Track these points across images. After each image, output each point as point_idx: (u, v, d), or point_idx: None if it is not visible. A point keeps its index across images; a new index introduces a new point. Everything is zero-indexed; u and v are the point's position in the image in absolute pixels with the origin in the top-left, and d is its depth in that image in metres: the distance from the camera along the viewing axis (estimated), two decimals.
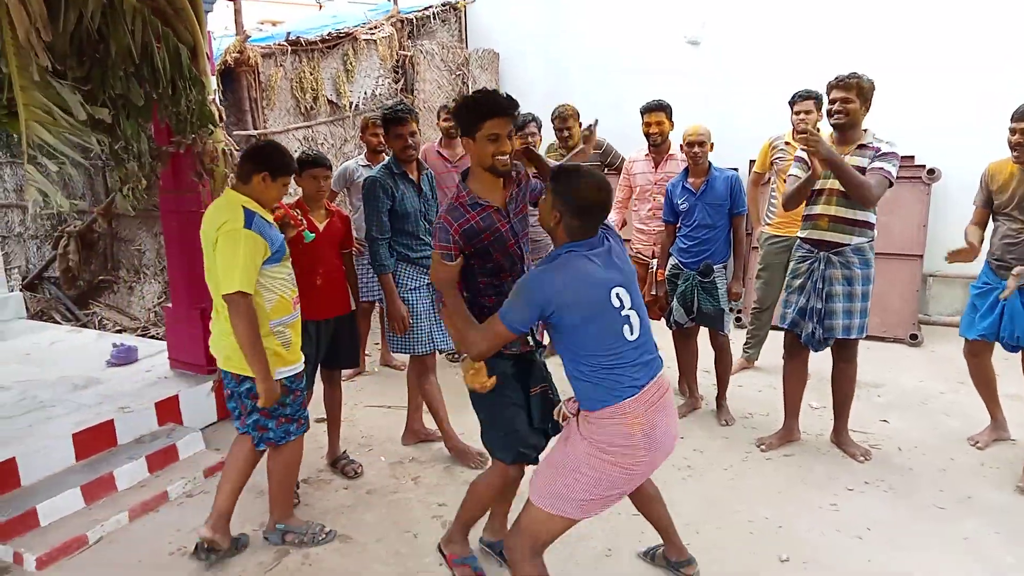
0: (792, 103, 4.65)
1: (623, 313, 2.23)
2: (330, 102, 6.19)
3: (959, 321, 3.93)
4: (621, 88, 6.77)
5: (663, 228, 4.33)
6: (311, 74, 5.99)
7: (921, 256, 5.71)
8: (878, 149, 3.48)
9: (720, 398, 4.33)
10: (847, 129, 3.53)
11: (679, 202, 4.13)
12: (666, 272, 4.27)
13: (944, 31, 5.67)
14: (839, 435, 3.89)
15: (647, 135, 4.46)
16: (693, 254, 4.12)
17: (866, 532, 3.16)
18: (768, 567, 2.95)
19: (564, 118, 4.89)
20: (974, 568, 2.92)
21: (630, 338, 2.24)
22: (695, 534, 3.14)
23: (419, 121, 3.79)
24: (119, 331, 6.01)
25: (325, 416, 3.82)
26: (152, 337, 5.65)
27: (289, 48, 5.80)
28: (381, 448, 4.05)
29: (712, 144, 4.06)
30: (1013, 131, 3.44)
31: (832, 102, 3.52)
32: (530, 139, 4.36)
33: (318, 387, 3.66)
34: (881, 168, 3.41)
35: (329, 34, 6.18)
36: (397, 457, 3.94)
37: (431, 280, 2.66)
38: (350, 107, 6.37)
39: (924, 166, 5.76)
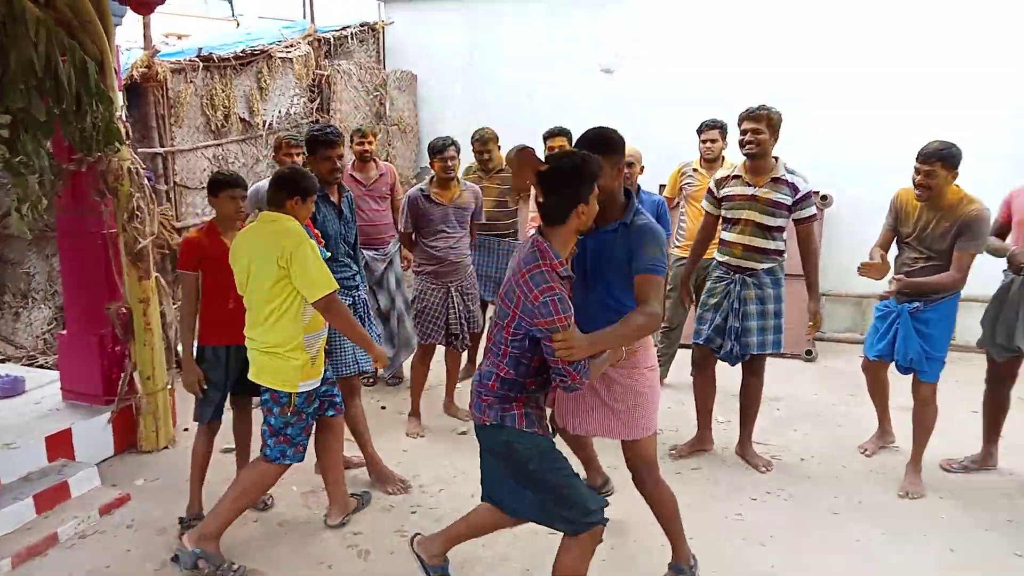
0: (700, 131, 4.92)
1: None
2: (242, 120, 6.07)
3: (850, 337, 4.20)
4: (539, 113, 6.91)
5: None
6: (223, 91, 5.87)
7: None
8: (795, 187, 3.71)
9: None
10: (759, 159, 3.74)
11: None
12: None
13: (838, 65, 6.09)
14: (744, 447, 4.09)
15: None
16: None
17: (769, 539, 3.34)
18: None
19: (484, 141, 4.98)
20: (864, 567, 3.13)
21: None
22: (611, 549, 3.23)
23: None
24: (2, 360, 5.65)
25: (234, 446, 3.71)
26: (40, 366, 5.32)
27: (200, 64, 5.67)
28: (293, 477, 3.89)
29: (642, 167, 4.18)
30: (918, 171, 3.51)
31: (743, 132, 3.73)
32: (449, 163, 4.40)
33: (227, 416, 3.55)
34: (810, 220, 3.78)
35: (243, 51, 6.07)
36: (310, 486, 3.85)
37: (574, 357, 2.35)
38: (263, 125, 6.26)
39: (818, 192, 6.14)
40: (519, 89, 7.25)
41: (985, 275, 4.02)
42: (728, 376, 4.24)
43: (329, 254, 3.46)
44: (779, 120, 3.73)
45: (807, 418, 4.70)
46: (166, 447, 4.28)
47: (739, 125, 3.79)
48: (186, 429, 4.43)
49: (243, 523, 3.48)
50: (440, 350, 4.69)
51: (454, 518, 3.12)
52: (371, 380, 5.26)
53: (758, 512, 3.57)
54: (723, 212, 3.92)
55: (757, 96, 4.47)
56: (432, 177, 4.53)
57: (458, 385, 4.81)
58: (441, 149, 4.39)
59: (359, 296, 3.84)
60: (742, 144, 3.76)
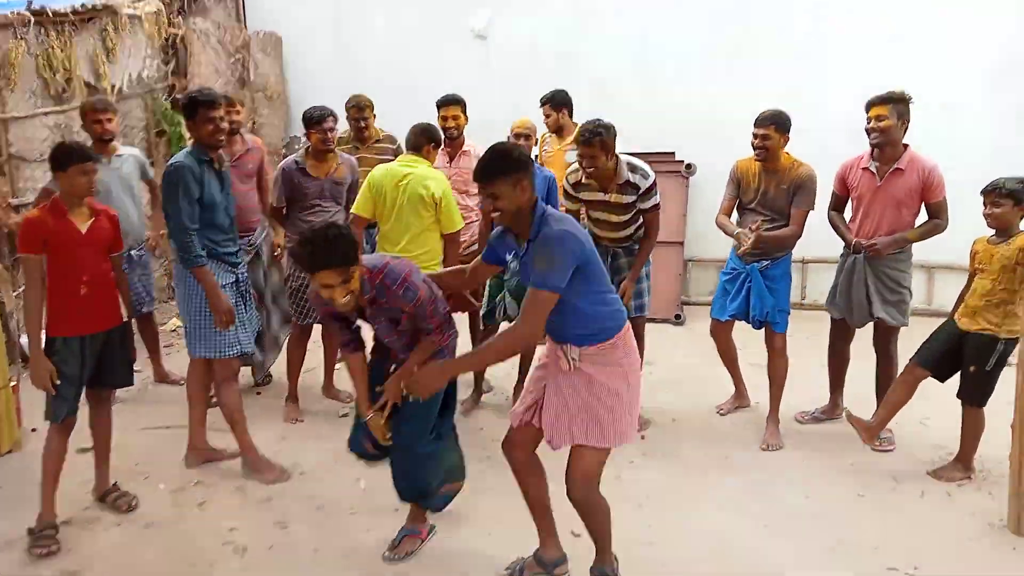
0: (543, 104, 5.16)
1: None
2: (88, 84, 5.55)
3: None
4: (415, 79, 6.76)
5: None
6: (62, 51, 5.32)
7: (682, 243, 6.39)
8: (638, 188, 3.86)
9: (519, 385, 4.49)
10: (600, 176, 3.85)
11: None
12: None
13: (698, 40, 6.35)
14: None
15: (443, 129, 4.45)
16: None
17: (645, 499, 3.51)
18: (562, 543, 3.13)
19: (361, 108, 4.77)
20: (732, 519, 3.36)
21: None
22: (492, 519, 3.29)
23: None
24: None
25: (90, 445, 3.43)
26: None
27: (32, 19, 5.10)
28: (160, 475, 3.72)
29: (536, 139, 4.24)
30: (755, 135, 3.90)
31: (581, 157, 3.79)
32: (328, 134, 4.20)
33: (83, 412, 3.28)
34: (653, 209, 3.93)
35: (83, 6, 5.52)
36: (179, 483, 3.65)
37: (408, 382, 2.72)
38: (113, 90, 5.75)
39: (683, 162, 6.42)
40: (393, 53, 7.03)
41: (823, 240, 4.41)
42: None
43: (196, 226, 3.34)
44: (613, 135, 3.77)
45: (676, 381, 4.95)
46: (10, 451, 3.93)
47: (576, 148, 3.84)
48: (34, 430, 4.05)
49: (105, 528, 3.26)
50: (317, 330, 4.54)
51: (340, 506, 3.07)
52: (267, 379, 4.93)
53: (635, 474, 3.74)
54: (586, 210, 4.08)
55: (624, 65, 4.61)
56: (307, 148, 4.31)
57: (337, 366, 4.63)
58: (319, 119, 4.18)
59: (242, 274, 3.65)
60: (582, 166, 3.86)
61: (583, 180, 3.96)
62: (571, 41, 6.62)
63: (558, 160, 5.19)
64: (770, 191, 3.95)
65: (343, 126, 4.90)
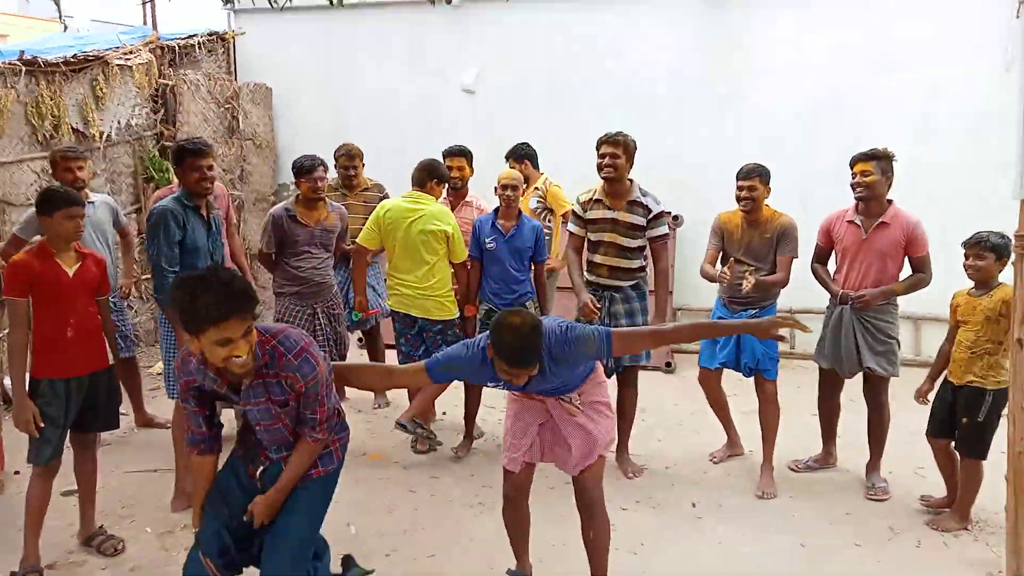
0: (507, 159, 5.25)
1: None
2: (76, 131, 5.56)
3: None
4: (403, 131, 6.87)
5: None
6: (51, 99, 5.35)
7: (671, 292, 6.41)
8: (648, 208, 3.95)
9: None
10: (616, 183, 3.94)
11: (487, 240, 4.26)
12: (480, 311, 4.36)
13: (682, 93, 6.53)
14: (620, 454, 4.24)
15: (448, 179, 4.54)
16: (503, 295, 4.29)
17: (640, 547, 3.45)
18: None
19: (351, 156, 4.85)
20: (727, 567, 3.31)
21: None
22: (488, 568, 3.22)
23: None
24: None
25: (75, 487, 3.36)
26: None
27: (23, 68, 5.13)
28: (147, 518, 3.63)
29: (524, 190, 4.31)
30: (740, 187, 4.00)
31: (602, 156, 3.92)
32: (319, 183, 4.24)
33: (67, 455, 3.20)
34: (662, 239, 4.01)
35: (75, 56, 5.57)
36: (166, 526, 3.56)
37: None
38: (101, 137, 5.77)
39: (670, 213, 6.49)
40: (381, 104, 7.15)
41: (809, 289, 4.43)
42: None
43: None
44: (635, 146, 3.97)
45: (669, 427, 4.93)
46: None
47: (597, 149, 3.97)
48: (17, 472, 3.96)
49: (91, 572, 3.18)
50: None
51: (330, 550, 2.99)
52: None
53: (629, 520, 3.68)
54: (588, 235, 4.08)
55: (608, 120, 4.74)
56: (298, 196, 4.34)
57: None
58: (310, 169, 4.22)
59: None
60: (600, 168, 3.94)
61: (594, 198, 4.03)
62: (558, 94, 6.78)
63: (524, 207, 5.30)
64: (754, 241, 4.04)
65: (331, 174, 4.93)
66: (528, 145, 5.39)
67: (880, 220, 3.85)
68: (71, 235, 3.09)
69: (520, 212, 4.34)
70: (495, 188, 4.33)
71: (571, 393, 2.79)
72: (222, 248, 3.67)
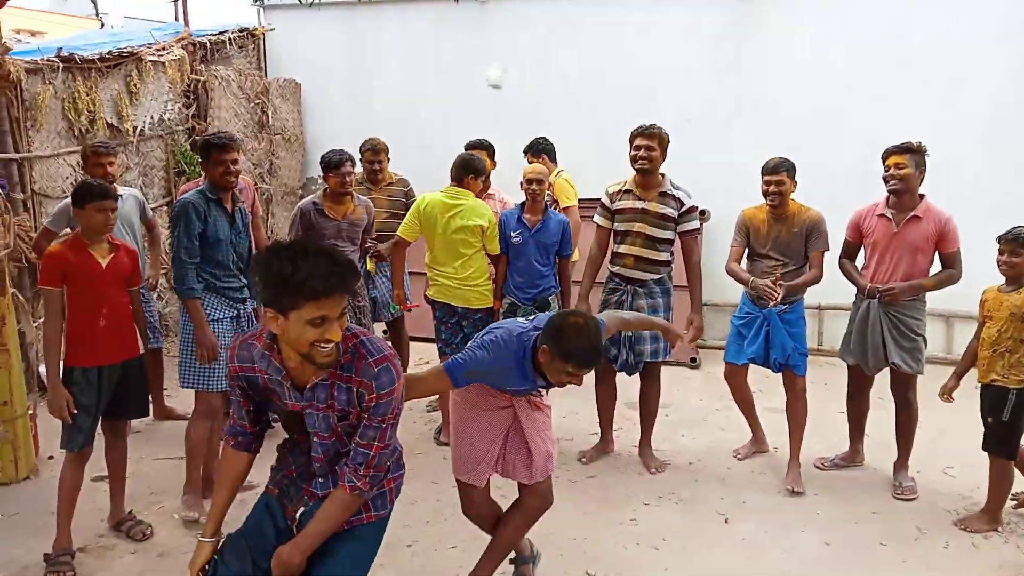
0: (525, 153, 5.27)
1: None
2: (110, 126, 5.67)
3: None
4: (427, 126, 6.90)
5: None
6: (87, 95, 5.46)
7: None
8: (680, 202, 3.96)
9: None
10: (649, 174, 3.94)
11: (513, 234, 4.27)
12: (503, 305, 4.37)
13: (701, 89, 6.46)
14: (643, 448, 4.24)
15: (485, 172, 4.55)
16: (527, 290, 4.29)
17: (662, 542, 3.44)
18: None
19: (376, 151, 4.86)
20: (750, 564, 3.29)
21: None
22: (509, 563, 3.22)
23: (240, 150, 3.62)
24: None
25: (106, 473, 3.44)
26: None
27: (61, 65, 5.25)
28: (174, 504, 3.69)
29: (549, 183, 4.31)
30: (768, 183, 3.93)
31: (637, 148, 3.92)
32: (347, 178, 4.28)
33: (99, 441, 3.28)
34: (693, 233, 4.05)
35: (110, 53, 5.68)
36: (193, 512, 3.59)
37: None
38: (134, 131, 5.88)
39: (697, 207, 6.42)
40: (405, 99, 7.19)
41: (838, 286, 4.28)
42: (622, 383, 4.35)
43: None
44: (668, 139, 3.97)
45: (694, 423, 4.90)
46: (27, 478, 3.92)
47: (631, 142, 3.97)
48: (51, 457, 4.07)
49: (120, 555, 3.25)
50: None
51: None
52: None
53: (651, 516, 3.67)
54: (615, 225, 4.06)
55: (629, 115, 4.73)
56: (325, 190, 4.38)
57: None
58: (338, 164, 4.26)
59: (244, 310, 3.66)
60: (634, 160, 3.94)
61: (626, 188, 4.03)
62: (578, 91, 6.75)
63: None
64: (782, 236, 3.97)
65: (357, 168, 4.96)
66: (546, 140, 5.39)
67: (912, 214, 3.78)
68: (102, 227, 3.16)
69: (546, 206, 4.34)
70: (520, 183, 4.34)
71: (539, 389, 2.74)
72: (247, 241, 3.69)
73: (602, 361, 2.45)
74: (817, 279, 3.96)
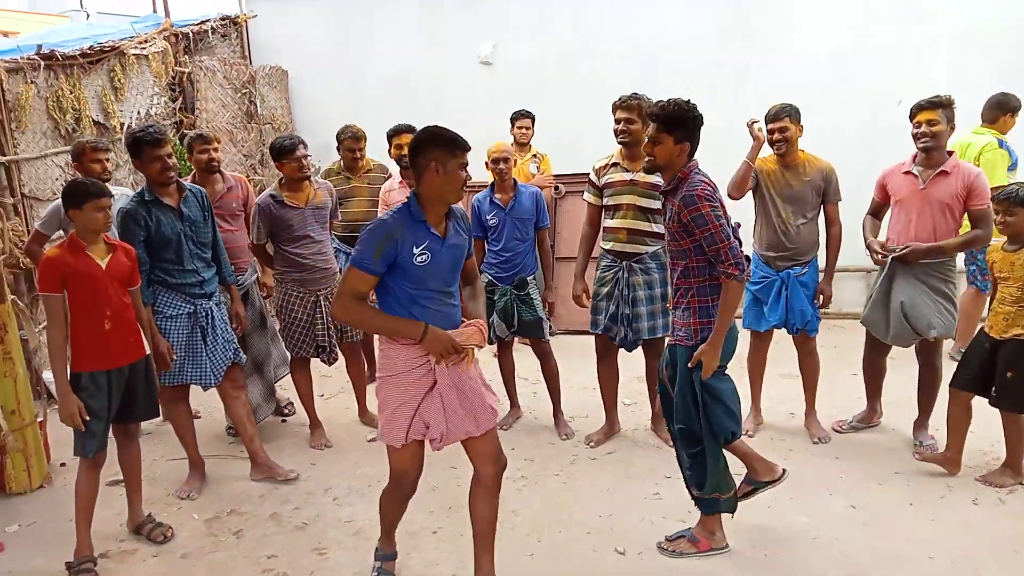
0: (512, 120, 5.47)
1: None
2: (96, 123, 5.54)
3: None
4: (418, 107, 6.76)
5: None
6: (71, 92, 5.32)
7: None
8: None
9: (557, 410, 4.41)
10: (633, 147, 3.82)
11: (488, 217, 4.19)
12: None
13: (705, 56, 6.35)
14: (657, 422, 4.20)
15: (398, 158, 4.50)
16: (506, 269, 4.21)
17: (687, 514, 3.40)
18: (606, 561, 3.09)
19: (358, 139, 4.79)
20: (776, 531, 3.28)
21: None
22: (537, 542, 3.21)
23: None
24: None
25: (120, 477, 3.39)
26: None
27: (42, 63, 5.11)
28: (193, 504, 3.66)
29: (515, 160, 4.19)
30: (771, 131, 3.86)
31: (617, 121, 3.81)
32: (304, 161, 4.07)
33: (112, 446, 3.23)
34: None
35: (91, 48, 5.54)
36: (213, 512, 3.58)
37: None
38: (121, 128, 5.75)
39: None
40: (396, 83, 7.05)
41: (848, 248, 4.17)
42: (631, 357, 4.30)
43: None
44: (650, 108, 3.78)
45: None
46: (41, 486, 3.86)
47: (613, 114, 3.86)
48: (63, 464, 4.02)
49: (143, 559, 3.21)
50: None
51: (377, 530, 2.99)
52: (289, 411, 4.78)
53: (674, 489, 3.63)
54: (605, 200, 3.97)
55: (629, 84, 4.62)
56: (281, 180, 4.14)
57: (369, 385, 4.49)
58: (291, 149, 4.02)
59: (203, 305, 3.60)
60: (616, 133, 3.84)
61: (612, 161, 3.94)
62: (576, 64, 6.63)
63: (523, 171, 5.51)
64: (793, 185, 3.89)
65: (333, 156, 4.85)
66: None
67: (940, 169, 3.67)
68: (101, 226, 3.06)
69: (516, 182, 4.24)
70: (485, 163, 4.22)
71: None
72: (209, 229, 3.65)
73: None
74: (840, 234, 3.97)
